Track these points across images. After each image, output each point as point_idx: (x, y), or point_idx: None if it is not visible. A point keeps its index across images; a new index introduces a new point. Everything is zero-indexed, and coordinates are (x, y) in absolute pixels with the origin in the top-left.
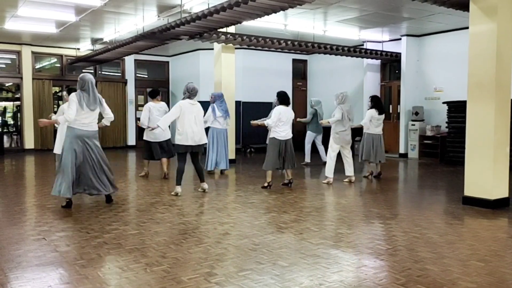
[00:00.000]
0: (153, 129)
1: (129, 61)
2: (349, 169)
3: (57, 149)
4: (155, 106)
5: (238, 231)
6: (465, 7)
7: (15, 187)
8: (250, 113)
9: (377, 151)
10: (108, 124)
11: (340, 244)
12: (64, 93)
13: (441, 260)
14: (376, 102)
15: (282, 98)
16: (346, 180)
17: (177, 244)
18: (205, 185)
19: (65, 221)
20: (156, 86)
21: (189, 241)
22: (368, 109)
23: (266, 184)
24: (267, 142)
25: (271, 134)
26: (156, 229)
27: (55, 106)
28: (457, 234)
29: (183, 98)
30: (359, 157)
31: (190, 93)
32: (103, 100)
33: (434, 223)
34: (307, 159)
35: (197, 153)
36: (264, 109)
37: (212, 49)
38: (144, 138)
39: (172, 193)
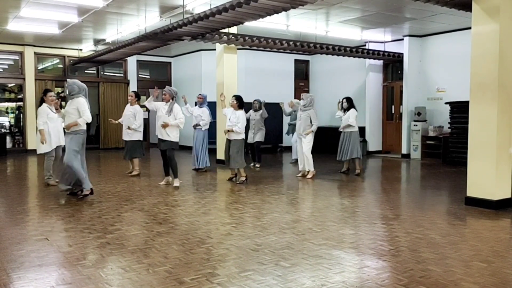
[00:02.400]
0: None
1: (132, 62)
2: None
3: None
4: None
5: (240, 232)
6: (467, 7)
7: (18, 188)
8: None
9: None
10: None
11: (342, 245)
12: (53, 93)
13: (444, 260)
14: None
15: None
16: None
17: (180, 244)
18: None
19: (68, 221)
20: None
21: (191, 242)
22: (350, 110)
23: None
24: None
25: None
26: (158, 229)
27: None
28: (460, 235)
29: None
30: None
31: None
32: None
33: (437, 224)
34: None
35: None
36: (267, 109)
37: (214, 49)
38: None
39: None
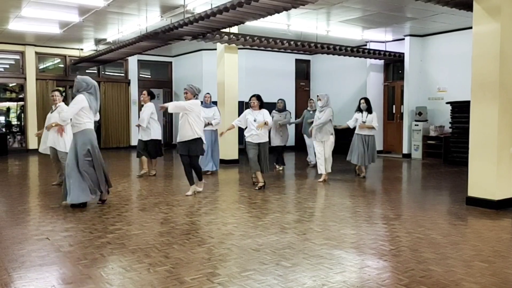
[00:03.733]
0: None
1: (133, 62)
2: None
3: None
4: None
5: (242, 231)
6: (468, 7)
7: (19, 187)
8: None
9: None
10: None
11: (343, 245)
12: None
13: (445, 260)
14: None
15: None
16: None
17: (180, 244)
18: (198, 188)
19: (68, 221)
20: (160, 87)
21: (192, 241)
22: (371, 111)
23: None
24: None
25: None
26: (159, 229)
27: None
28: (461, 235)
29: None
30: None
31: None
32: None
33: (438, 224)
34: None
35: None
36: (268, 109)
37: (215, 49)
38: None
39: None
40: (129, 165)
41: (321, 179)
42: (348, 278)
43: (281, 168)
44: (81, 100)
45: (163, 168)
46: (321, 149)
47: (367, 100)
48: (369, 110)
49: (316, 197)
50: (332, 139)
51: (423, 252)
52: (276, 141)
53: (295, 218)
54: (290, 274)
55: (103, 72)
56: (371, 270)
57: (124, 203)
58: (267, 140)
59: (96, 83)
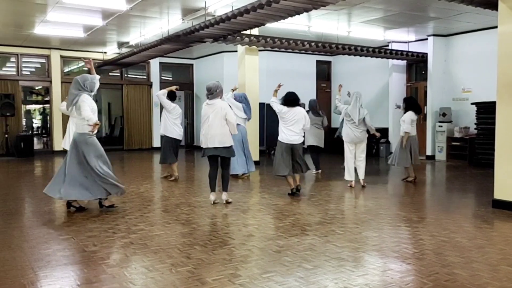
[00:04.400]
0: None
1: (154, 64)
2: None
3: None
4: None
5: (263, 233)
6: (493, 6)
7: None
8: (274, 115)
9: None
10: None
11: (365, 247)
12: None
13: (470, 264)
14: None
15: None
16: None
17: (202, 245)
18: (223, 196)
19: (93, 221)
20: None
21: (213, 242)
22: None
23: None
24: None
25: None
26: (181, 230)
27: None
28: (487, 238)
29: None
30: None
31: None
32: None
33: (463, 227)
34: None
35: (223, 157)
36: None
37: (236, 51)
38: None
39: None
40: (151, 166)
41: (352, 185)
42: (371, 281)
43: (317, 172)
44: (84, 101)
45: (184, 169)
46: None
47: (404, 100)
48: (407, 109)
49: (338, 200)
50: (365, 141)
51: (447, 255)
52: (310, 142)
53: (316, 220)
54: (311, 276)
55: (125, 75)
56: (394, 273)
57: (146, 204)
58: (301, 142)
59: (89, 77)
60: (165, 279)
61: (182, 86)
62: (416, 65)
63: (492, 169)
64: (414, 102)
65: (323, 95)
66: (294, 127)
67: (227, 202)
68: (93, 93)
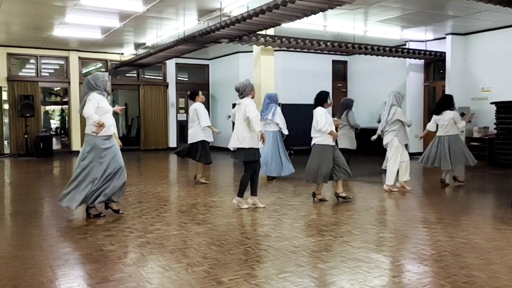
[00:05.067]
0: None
1: (171, 65)
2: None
3: None
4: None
5: (278, 233)
6: None
7: (63, 187)
8: (289, 115)
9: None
10: None
11: (382, 248)
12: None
13: (489, 266)
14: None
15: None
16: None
17: (218, 245)
18: (249, 200)
19: (110, 221)
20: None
21: (229, 242)
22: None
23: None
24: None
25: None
26: (197, 229)
27: None
28: (506, 240)
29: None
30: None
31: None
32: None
33: (482, 228)
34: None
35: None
36: (304, 110)
37: (252, 51)
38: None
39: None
40: (167, 166)
41: (394, 189)
42: (387, 282)
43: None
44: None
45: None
46: (406, 153)
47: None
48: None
49: (354, 200)
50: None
51: (466, 257)
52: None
53: (332, 221)
54: (327, 277)
55: (142, 76)
56: (411, 275)
57: (163, 203)
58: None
59: (99, 76)
60: (181, 279)
61: (198, 86)
62: (434, 64)
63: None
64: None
65: (339, 95)
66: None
67: (256, 207)
68: (106, 93)
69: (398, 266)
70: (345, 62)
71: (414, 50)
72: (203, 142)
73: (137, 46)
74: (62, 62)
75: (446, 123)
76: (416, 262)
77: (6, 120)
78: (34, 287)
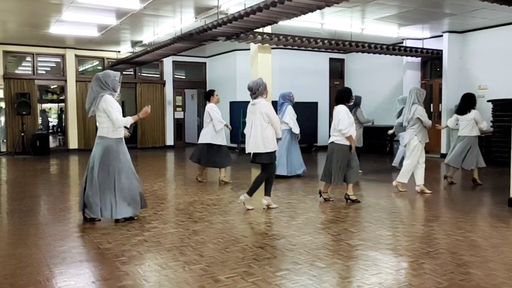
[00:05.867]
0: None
1: (168, 63)
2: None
3: None
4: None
5: (276, 231)
6: (510, 1)
7: (60, 186)
8: None
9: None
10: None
11: (379, 246)
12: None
13: (486, 264)
14: (461, 101)
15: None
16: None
17: (215, 243)
18: (263, 201)
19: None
20: (194, 87)
21: (226, 240)
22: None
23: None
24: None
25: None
26: (194, 228)
27: None
28: (503, 238)
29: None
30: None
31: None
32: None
33: (478, 226)
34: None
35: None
36: (301, 108)
37: (249, 49)
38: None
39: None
40: (164, 164)
41: (403, 189)
42: (384, 280)
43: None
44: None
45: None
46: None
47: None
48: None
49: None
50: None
51: (462, 254)
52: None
53: (329, 219)
54: (324, 275)
55: (139, 74)
56: (408, 272)
57: (160, 202)
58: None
59: (111, 75)
60: (178, 277)
61: (195, 84)
62: (431, 62)
63: (508, 167)
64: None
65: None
66: (332, 128)
67: (268, 207)
68: (116, 93)
69: (395, 264)
70: (342, 60)
71: (411, 48)
72: (218, 146)
73: (134, 44)
74: (58, 60)
75: (467, 123)
76: (413, 260)
77: (2, 118)
78: (31, 286)
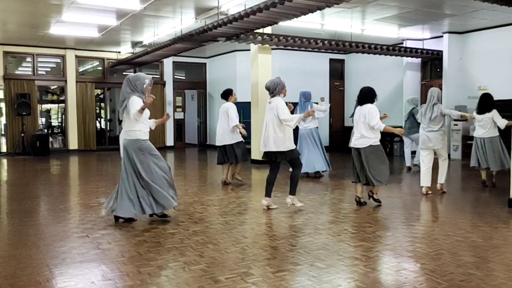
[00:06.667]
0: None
1: (168, 63)
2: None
3: None
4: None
5: (275, 232)
6: (510, 2)
7: (60, 186)
8: None
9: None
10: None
11: (379, 247)
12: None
13: (485, 264)
14: (479, 100)
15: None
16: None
17: (215, 243)
18: (287, 200)
19: (107, 219)
20: (194, 88)
21: (226, 241)
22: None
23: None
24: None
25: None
26: (194, 228)
27: (97, 108)
28: (503, 238)
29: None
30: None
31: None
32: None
33: (478, 227)
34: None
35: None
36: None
37: (249, 50)
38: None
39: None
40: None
41: (429, 192)
42: (384, 280)
43: None
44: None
45: (197, 168)
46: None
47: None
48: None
49: (351, 199)
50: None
51: (462, 255)
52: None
53: (329, 219)
54: (324, 275)
55: None
56: (408, 273)
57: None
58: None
59: (141, 77)
60: (178, 277)
61: (195, 85)
62: (431, 63)
63: (508, 168)
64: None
65: (336, 94)
66: (356, 129)
67: (294, 205)
68: (144, 96)
69: (394, 264)
70: (343, 61)
71: (411, 48)
72: (236, 143)
73: (134, 44)
74: (58, 60)
75: (486, 123)
76: (412, 260)
77: (2, 118)
78: (31, 286)
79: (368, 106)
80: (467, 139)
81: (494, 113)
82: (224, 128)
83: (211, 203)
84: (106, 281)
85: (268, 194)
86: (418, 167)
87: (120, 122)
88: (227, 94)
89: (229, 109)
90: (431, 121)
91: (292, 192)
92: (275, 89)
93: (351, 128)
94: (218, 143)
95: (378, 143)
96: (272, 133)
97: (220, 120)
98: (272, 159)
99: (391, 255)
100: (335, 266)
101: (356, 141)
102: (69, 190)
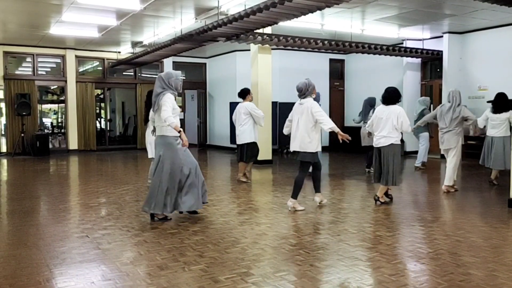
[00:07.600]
0: None
1: (168, 63)
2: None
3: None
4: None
5: (275, 232)
6: (510, 2)
7: (60, 186)
8: (286, 114)
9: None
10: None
11: (379, 247)
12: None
13: (485, 264)
14: (494, 100)
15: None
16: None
17: (215, 243)
18: (316, 198)
19: (107, 219)
20: (194, 88)
21: (226, 241)
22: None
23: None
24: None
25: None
26: (194, 228)
27: (97, 108)
28: (503, 238)
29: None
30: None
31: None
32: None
33: (478, 227)
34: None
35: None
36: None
37: (249, 50)
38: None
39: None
40: None
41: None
42: (384, 280)
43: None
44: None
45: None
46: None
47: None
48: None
49: (351, 199)
50: (460, 145)
51: (462, 255)
52: (368, 142)
53: (329, 219)
54: (324, 275)
55: (139, 74)
56: (408, 273)
57: None
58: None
59: (174, 75)
60: (178, 278)
61: (195, 85)
62: (431, 63)
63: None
64: (496, 98)
65: (336, 94)
66: (379, 127)
67: (320, 204)
68: (177, 92)
69: (394, 265)
70: (342, 61)
71: (411, 48)
72: (251, 143)
73: (134, 44)
74: (58, 60)
75: (501, 122)
76: (412, 261)
77: (2, 118)
78: (31, 286)
79: (397, 108)
80: (466, 140)
81: (511, 114)
82: (245, 127)
83: (211, 203)
84: (106, 281)
85: (293, 196)
86: (421, 168)
87: (146, 122)
88: (244, 93)
89: (252, 110)
90: (451, 122)
91: (294, 195)
92: (307, 90)
93: (351, 128)
94: (238, 142)
95: (399, 142)
96: (301, 134)
97: (239, 120)
98: (298, 159)
99: (391, 255)
100: (335, 266)
101: (378, 140)
102: (69, 190)
